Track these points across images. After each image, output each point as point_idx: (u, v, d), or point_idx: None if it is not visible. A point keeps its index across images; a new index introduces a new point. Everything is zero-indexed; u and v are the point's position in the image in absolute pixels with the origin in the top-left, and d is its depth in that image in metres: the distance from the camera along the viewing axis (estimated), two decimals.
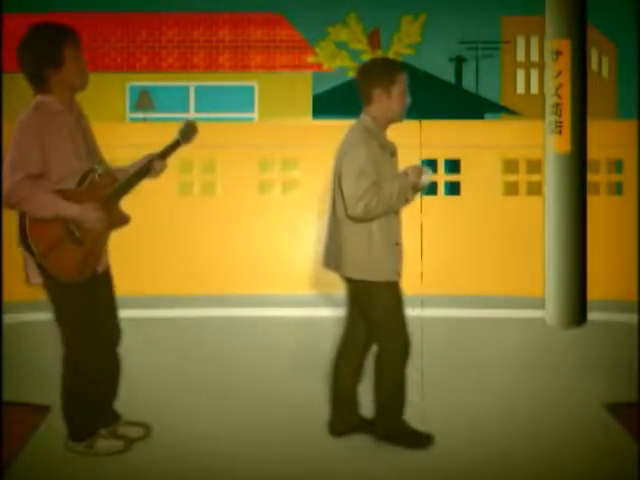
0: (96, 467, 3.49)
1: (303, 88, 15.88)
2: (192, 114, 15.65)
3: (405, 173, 3.61)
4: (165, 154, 3.64)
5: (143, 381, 4.49)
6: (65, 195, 3.30)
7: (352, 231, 3.60)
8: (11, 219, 7.19)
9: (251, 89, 15.89)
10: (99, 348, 3.55)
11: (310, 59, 15.81)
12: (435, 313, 6.55)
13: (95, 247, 3.45)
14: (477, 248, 7.43)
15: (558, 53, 6.08)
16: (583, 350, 5.47)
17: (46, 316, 6.46)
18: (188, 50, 15.89)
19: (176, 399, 4.33)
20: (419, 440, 3.68)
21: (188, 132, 3.67)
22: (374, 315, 3.68)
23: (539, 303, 6.30)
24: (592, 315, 6.21)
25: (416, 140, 6.66)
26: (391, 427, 3.70)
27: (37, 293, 7.56)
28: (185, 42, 15.92)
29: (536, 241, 6.48)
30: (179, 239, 7.35)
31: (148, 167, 3.60)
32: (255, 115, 15.73)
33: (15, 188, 3.20)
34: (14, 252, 7.22)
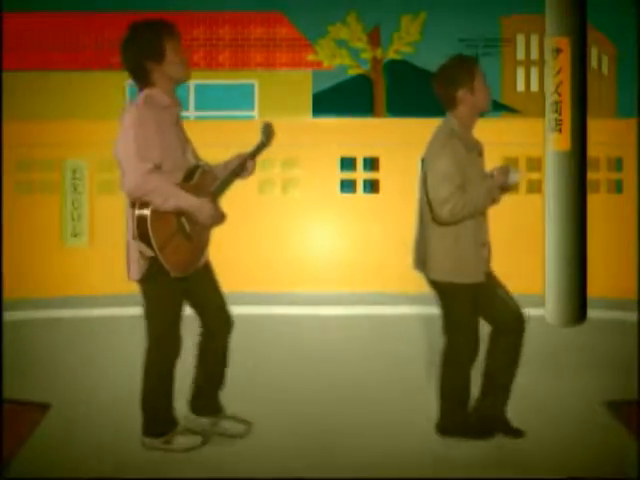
0: (96, 465, 3.49)
1: (303, 86, 15.87)
2: (192, 112, 15.66)
3: (491, 174, 3.63)
4: (254, 155, 3.73)
5: None
6: (182, 188, 3.29)
7: (438, 233, 3.61)
8: (11, 219, 7.17)
9: (251, 87, 15.88)
10: (180, 340, 3.54)
11: (310, 57, 15.79)
12: (436, 312, 6.55)
13: (201, 242, 3.48)
14: None
15: (558, 51, 6.08)
16: (583, 348, 5.47)
17: (47, 314, 6.50)
18: (188, 48, 15.88)
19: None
20: (484, 432, 3.72)
21: (268, 133, 3.81)
22: (455, 315, 3.71)
23: (539, 301, 6.30)
24: (592, 313, 6.21)
25: (416, 139, 6.66)
26: (456, 422, 3.74)
27: (36, 292, 7.56)
28: (185, 41, 15.78)
29: (536, 239, 6.48)
30: None
31: (243, 167, 3.67)
32: (255, 113, 15.72)
33: (145, 180, 3.17)
34: (14, 252, 7.22)
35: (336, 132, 7.61)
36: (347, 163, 7.65)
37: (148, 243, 3.20)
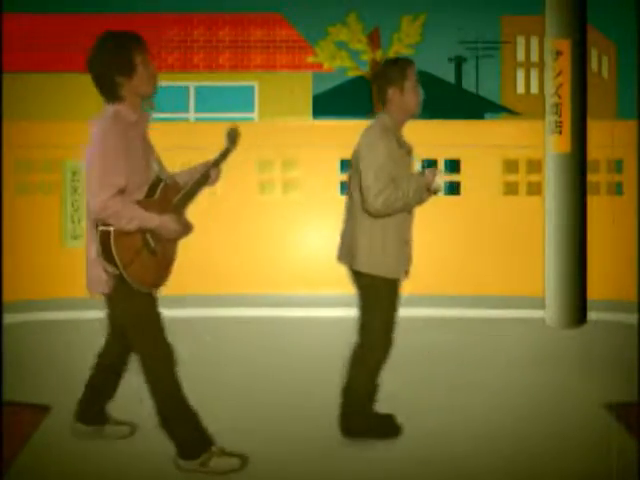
0: (96, 466, 3.48)
1: (303, 88, 15.87)
2: (192, 114, 15.66)
3: (422, 173, 3.67)
4: (218, 162, 3.70)
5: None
6: (144, 206, 3.27)
7: (367, 226, 3.65)
8: (11, 221, 7.15)
9: (251, 89, 15.88)
10: (172, 353, 3.45)
11: (310, 59, 15.80)
12: (435, 313, 6.56)
13: (167, 257, 3.45)
14: (477, 248, 7.44)
15: (558, 53, 6.08)
16: (583, 350, 5.47)
17: (47, 316, 6.49)
18: (188, 50, 15.89)
19: None
20: (388, 431, 3.75)
21: (234, 137, 3.75)
22: (373, 313, 3.70)
23: (539, 303, 6.30)
24: (592, 315, 6.21)
25: (416, 140, 6.66)
26: (360, 422, 3.74)
27: (36, 294, 7.54)
28: (185, 42, 15.91)
29: (536, 241, 6.48)
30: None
31: (207, 175, 3.64)
32: (255, 115, 15.73)
33: (108, 203, 3.15)
34: (14, 253, 7.21)
35: (336, 134, 7.61)
36: (347, 165, 7.65)
37: (112, 262, 3.21)
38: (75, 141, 7.50)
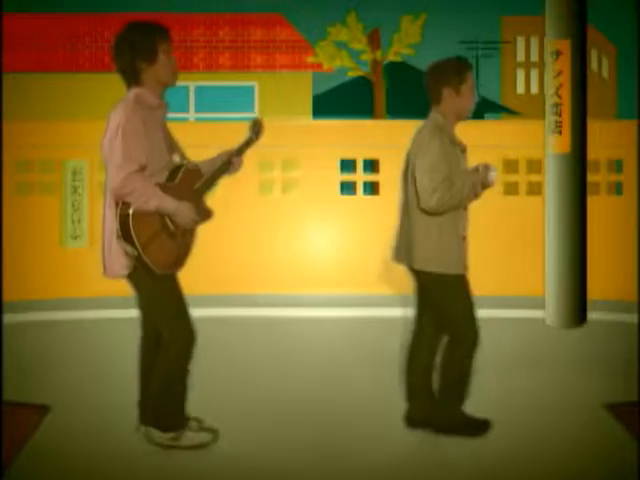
0: (96, 466, 3.48)
1: (303, 88, 15.88)
2: (192, 114, 15.66)
3: (476, 169, 3.72)
4: (241, 151, 3.79)
5: None
6: (163, 189, 3.36)
7: (424, 224, 3.68)
8: (11, 221, 7.14)
9: (251, 89, 15.88)
10: (191, 336, 3.57)
11: (310, 59, 15.80)
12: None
13: (185, 241, 3.53)
14: (477, 248, 7.42)
15: (558, 53, 6.08)
16: (583, 350, 5.46)
17: (46, 316, 6.49)
18: (188, 50, 15.89)
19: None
20: (478, 428, 3.76)
21: (257, 129, 3.83)
22: (446, 307, 3.76)
23: (539, 303, 6.30)
24: (592, 315, 6.21)
25: None
26: (453, 417, 3.76)
27: (35, 294, 7.53)
28: (185, 42, 15.91)
29: (536, 241, 6.48)
30: None
31: (228, 163, 3.74)
32: (255, 115, 15.73)
33: (129, 179, 3.24)
34: (14, 254, 7.21)
35: (336, 134, 7.61)
36: (347, 165, 7.65)
37: (131, 242, 3.27)
38: (75, 141, 7.53)
